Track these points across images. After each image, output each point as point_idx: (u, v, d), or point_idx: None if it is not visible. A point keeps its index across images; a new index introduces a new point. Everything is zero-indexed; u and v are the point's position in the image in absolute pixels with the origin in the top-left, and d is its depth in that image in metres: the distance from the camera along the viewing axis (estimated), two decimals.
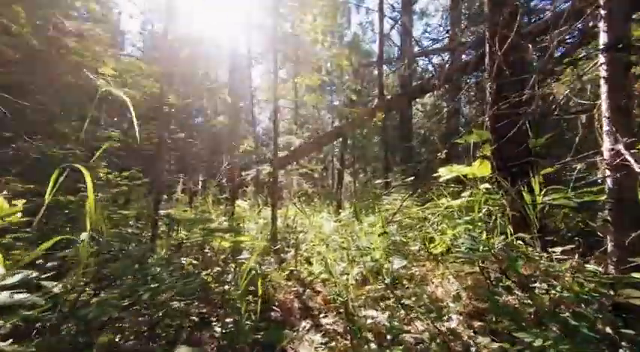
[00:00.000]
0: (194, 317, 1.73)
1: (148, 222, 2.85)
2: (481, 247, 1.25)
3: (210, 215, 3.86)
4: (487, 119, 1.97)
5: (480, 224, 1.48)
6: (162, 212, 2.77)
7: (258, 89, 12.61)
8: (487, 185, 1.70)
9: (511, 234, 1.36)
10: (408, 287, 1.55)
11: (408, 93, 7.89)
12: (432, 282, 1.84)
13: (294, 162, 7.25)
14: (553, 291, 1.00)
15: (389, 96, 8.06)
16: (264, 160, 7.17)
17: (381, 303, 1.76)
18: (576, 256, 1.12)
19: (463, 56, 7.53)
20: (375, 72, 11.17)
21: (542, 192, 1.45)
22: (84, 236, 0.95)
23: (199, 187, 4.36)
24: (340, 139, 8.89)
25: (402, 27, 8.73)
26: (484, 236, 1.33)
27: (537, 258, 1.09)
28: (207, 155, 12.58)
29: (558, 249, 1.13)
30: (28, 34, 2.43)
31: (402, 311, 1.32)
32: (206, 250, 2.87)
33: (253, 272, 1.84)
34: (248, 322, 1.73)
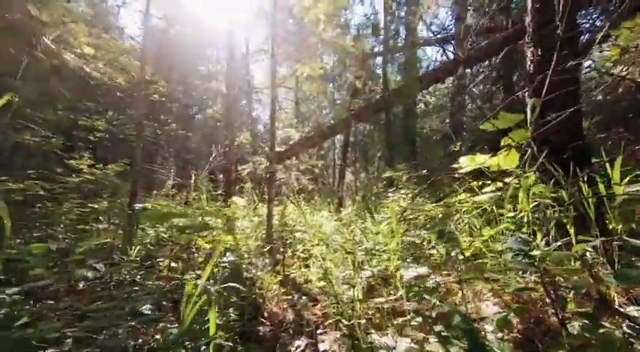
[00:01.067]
0: (158, 337, 1.38)
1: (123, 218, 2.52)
2: (539, 254, 0.89)
3: (202, 212, 3.53)
4: (527, 93, 1.60)
5: (527, 224, 1.13)
6: (138, 206, 2.43)
7: (258, 81, 12.28)
8: (530, 175, 1.34)
9: (575, 238, 1.01)
10: (433, 304, 1.20)
11: (410, 86, 7.51)
12: (456, 294, 1.49)
13: (294, 157, 6.90)
14: None
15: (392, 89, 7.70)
16: (261, 153, 6.83)
17: (394, 321, 1.41)
18: None
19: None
20: (379, 71, 10.83)
21: (624, 181, 1.09)
22: None
23: (191, 181, 4.03)
24: (342, 136, 8.53)
25: (407, 7, 8.35)
26: (539, 239, 0.98)
27: None
28: (206, 149, 12.26)
29: None
30: None
31: (435, 344, 0.97)
32: (193, 250, 2.56)
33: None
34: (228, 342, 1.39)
